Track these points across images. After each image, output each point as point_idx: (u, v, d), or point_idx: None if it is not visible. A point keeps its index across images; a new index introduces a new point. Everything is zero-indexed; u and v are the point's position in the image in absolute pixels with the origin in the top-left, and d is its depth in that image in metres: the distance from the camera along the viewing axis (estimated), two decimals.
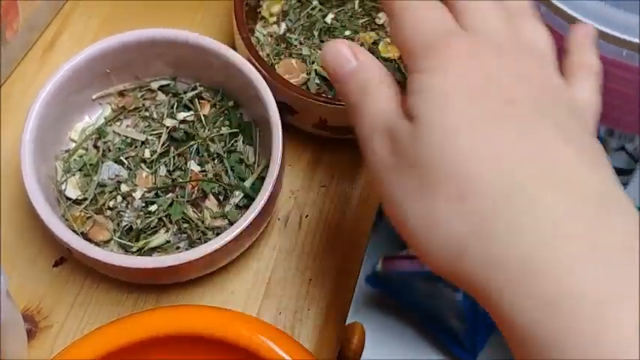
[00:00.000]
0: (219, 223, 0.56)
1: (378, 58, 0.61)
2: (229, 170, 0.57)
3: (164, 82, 0.60)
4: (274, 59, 0.61)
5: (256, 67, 0.56)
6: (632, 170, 0.76)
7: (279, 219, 0.59)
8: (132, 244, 0.55)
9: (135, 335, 0.49)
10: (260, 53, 0.59)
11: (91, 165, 0.57)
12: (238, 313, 0.52)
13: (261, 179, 0.55)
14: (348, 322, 0.58)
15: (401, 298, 1.16)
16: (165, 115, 0.59)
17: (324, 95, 0.59)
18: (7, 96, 0.63)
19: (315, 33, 0.63)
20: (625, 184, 0.75)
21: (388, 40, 0.63)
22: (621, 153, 0.80)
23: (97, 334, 0.49)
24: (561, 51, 0.54)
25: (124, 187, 0.56)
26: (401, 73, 0.61)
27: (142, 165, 0.57)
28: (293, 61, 0.61)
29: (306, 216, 0.60)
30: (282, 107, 0.56)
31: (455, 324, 1.10)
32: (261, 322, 0.50)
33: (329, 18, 0.63)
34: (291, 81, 0.58)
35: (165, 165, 0.57)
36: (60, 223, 0.51)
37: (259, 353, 0.48)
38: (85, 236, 0.55)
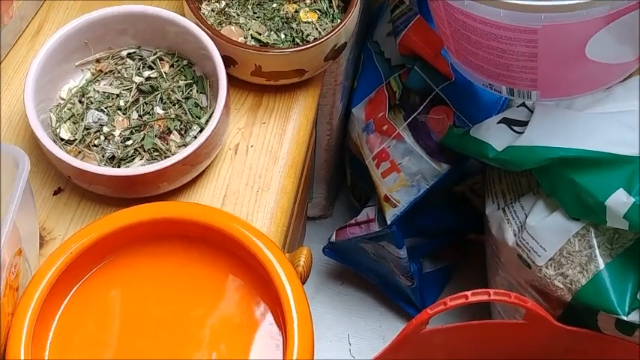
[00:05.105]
0: (181, 150, 0.71)
1: (299, 23, 0.78)
2: (187, 112, 0.73)
3: (131, 50, 0.76)
4: (217, 27, 0.77)
5: (203, 30, 0.72)
6: (528, 121, 0.93)
7: (230, 149, 0.75)
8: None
9: (119, 223, 0.64)
10: None
11: (78, 114, 0.72)
12: (209, 206, 0.68)
13: None
14: None
15: (355, 264, 1.31)
16: (133, 74, 0.75)
17: (257, 46, 0.75)
18: (4, 72, 0.78)
19: (249, 6, 0.79)
20: (522, 132, 0.91)
21: (307, 9, 0.79)
22: (523, 108, 0.97)
23: (85, 228, 0.65)
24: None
25: (105, 129, 0.72)
26: (318, 32, 0.78)
27: (119, 112, 0.73)
28: (232, 27, 0.78)
29: (252, 146, 0.75)
30: (225, 60, 0.72)
31: (404, 282, 1.25)
32: (227, 213, 0.66)
33: None
34: None
35: (137, 111, 0.73)
36: (63, 152, 0.66)
37: (227, 231, 0.63)
38: None
